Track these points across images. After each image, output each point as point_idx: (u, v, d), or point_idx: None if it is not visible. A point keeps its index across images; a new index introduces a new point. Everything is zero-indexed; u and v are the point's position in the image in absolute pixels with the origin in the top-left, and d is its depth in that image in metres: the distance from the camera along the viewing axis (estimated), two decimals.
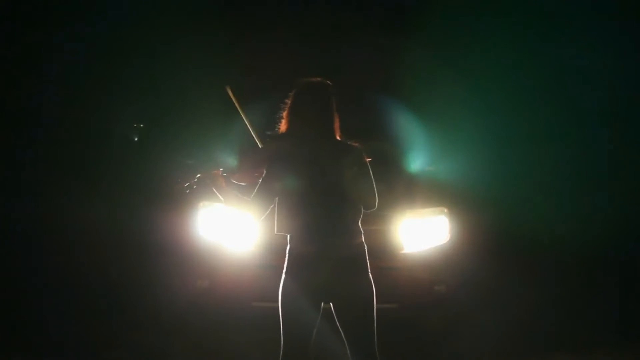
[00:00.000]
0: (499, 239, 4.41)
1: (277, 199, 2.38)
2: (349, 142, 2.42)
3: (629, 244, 5.46)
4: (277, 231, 2.40)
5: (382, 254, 3.46)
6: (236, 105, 2.93)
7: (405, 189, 3.63)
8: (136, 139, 6.91)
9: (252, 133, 3.04)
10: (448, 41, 6.16)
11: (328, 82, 2.49)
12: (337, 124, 2.44)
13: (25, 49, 6.69)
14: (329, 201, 2.32)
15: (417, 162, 3.97)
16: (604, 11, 6.56)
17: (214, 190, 2.48)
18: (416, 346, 3.77)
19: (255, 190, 2.38)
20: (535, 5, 6.71)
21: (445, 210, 3.71)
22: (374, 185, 2.40)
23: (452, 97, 5.13)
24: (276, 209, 2.40)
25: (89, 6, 6.69)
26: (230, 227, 3.67)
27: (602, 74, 6.51)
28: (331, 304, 2.38)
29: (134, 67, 6.67)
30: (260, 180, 2.39)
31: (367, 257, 2.39)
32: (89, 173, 6.31)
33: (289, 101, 2.46)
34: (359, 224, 2.40)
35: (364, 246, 2.39)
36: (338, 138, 2.43)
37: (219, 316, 3.70)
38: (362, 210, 2.41)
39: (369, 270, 2.38)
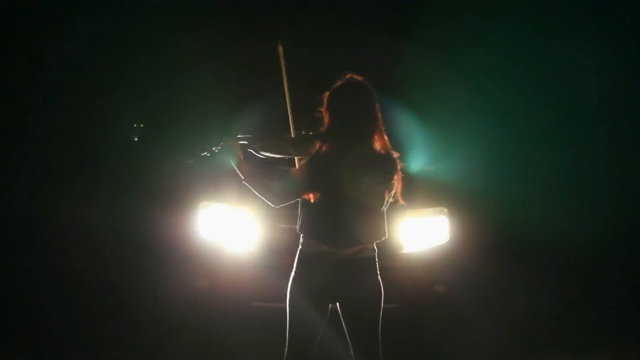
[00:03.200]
0: (499, 238, 4.40)
1: (298, 197, 2.35)
2: (385, 153, 2.34)
3: (629, 244, 5.46)
4: (297, 229, 2.39)
5: (382, 254, 3.45)
6: (282, 67, 2.76)
7: (405, 189, 3.62)
8: (136, 139, 6.92)
9: (288, 107, 2.80)
10: (448, 41, 6.17)
11: (369, 84, 2.39)
12: (378, 129, 2.35)
13: (26, 49, 6.69)
14: (347, 207, 2.30)
15: (417, 162, 3.96)
16: (604, 11, 6.57)
17: (233, 164, 2.41)
18: (416, 346, 3.77)
19: (284, 178, 2.34)
20: (535, 5, 6.71)
21: (445, 210, 3.71)
22: (385, 219, 2.36)
23: (452, 97, 5.12)
24: (300, 208, 2.39)
25: (89, 6, 6.69)
26: (230, 227, 3.67)
27: (602, 74, 6.51)
28: (338, 305, 2.38)
29: (134, 67, 6.68)
30: (295, 171, 2.36)
31: (377, 261, 2.39)
32: (89, 173, 6.32)
33: (325, 100, 2.37)
34: (377, 231, 2.37)
35: (375, 251, 2.39)
36: (378, 144, 2.34)
37: (219, 316, 3.69)
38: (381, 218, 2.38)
39: (379, 274, 2.38)
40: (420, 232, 3.66)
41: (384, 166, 2.32)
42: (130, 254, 4.89)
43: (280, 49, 2.67)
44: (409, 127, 4.20)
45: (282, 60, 2.67)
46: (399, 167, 2.35)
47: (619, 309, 4.45)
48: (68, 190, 5.78)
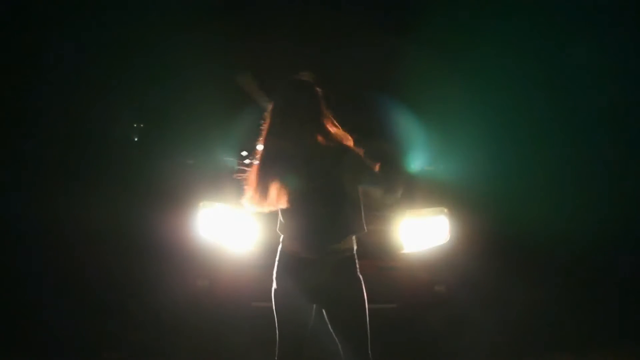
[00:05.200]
0: (499, 239, 4.41)
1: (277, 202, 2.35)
2: (336, 142, 2.31)
3: (629, 244, 5.46)
4: (278, 229, 2.40)
5: (382, 254, 3.45)
6: (252, 91, 2.79)
7: (405, 189, 3.62)
8: (136, 139, 6.93)
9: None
10: (448, 41, 6.17)
11: (312, 79, 2.38)
12: (326, 121, 2.32)
13: (25, 49, 6.70)
14: (318, 205, 2.29)
15: (417, 162, 3.96)
16: (604, 12, 6.57)
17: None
18: (416, 346, 3.77)
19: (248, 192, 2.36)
20: (535, 5, 6.71)
21: (445, 210, 3.71)
22: (360, 212, 2.35)
23: (452, 97, 5.13)
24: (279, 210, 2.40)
25: (88, 6, 6.70)
26: (230, 227, 3.67)
27: (602, 75, 6.51)
28: (323, 307, 2.37)
29: (134, 67, 6.68)
30: (250, 180, 2.34)
31: (357, 259, 2.37)
32: (89, 173, 6.32)
33: (273, 101, 2.38)
34: (353, 226, 2.36)
35: (353, 248, 2.36)
36: (331, 134, 2.31)
37: (219, 316, 3.69)
38: (356, 212, 2.37)
39: (359, 272, 2.36)
40: (420, 232, 3.66)
41: (331, 154, 2.28)
42: (130, 253, 4.89)
43: (248, 79, 2.69)
44: (409, 126, 4.20)
45: (251, 87, 2.69)
46: (349, 152, 2.30)
47: (619, 309, 4.45)
48: (68, 190, 5.78)
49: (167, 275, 4.01)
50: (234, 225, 3.66)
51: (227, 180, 3.68)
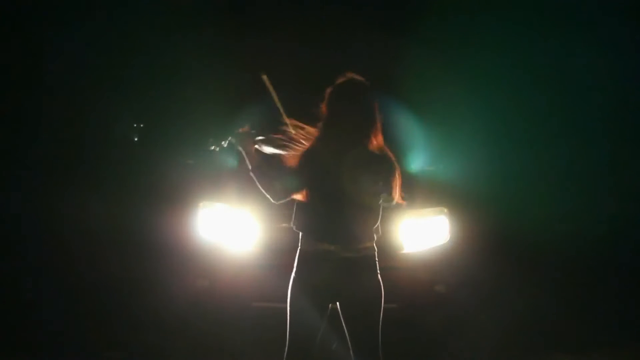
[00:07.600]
0: (499, 239, 4.40)
1: (297, 194, 2.36)
2: (382, 153, 2.34)
3: (629, 244, 5.47)
4: (292, 225, 2.40)
5: (382, 254, 3.44)
6: (272, 93, 2.78)
7: (405, 189, 3.62)
8: (136, 139, 6.92)
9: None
10: (448, 41, 6.17)
11: (369, 85, 2.41)
12: (376, 130, 2.35)
13: (25, 49, 6.69)
14: (345, 205, 2.30)
15: (417, 162, 3.96)
16: (604, 11, 6.57)
17: (243, 153, 2.44)
18: (416, 346, 3.77)
19: (284, 174, 2.35)
20: (535, 4, 6.72)
21: (445, 210, 3.71)
22: (379, 217, 2.39)
23: (452, 97, 5.13)
24: (295, 204, 2.39)
25: (89, 6, 6.70)
26: (230, 227, 3.67)
27: (602, 74, 6.51)
28: (338, 304, 2.37)
29: (134, 67, 6.68)
30: (292, 167, 2.35)
31: (377, 260, 2.38)
32: (89, 173, 6.32)
33: (326, 97, 2.39)
34: (373, 230, 2.38)
35: (374, 250, 2.39)
36: (375, 144, 2.34)
37: (219, 316, 3.69)
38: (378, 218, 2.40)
39: (378, 273, 2.38)
40: (420, 232, 3.66)
41: (382, 166, 2.31)
42: (130, 254, 4.89)
43: (265, 78, 2.68)
44: (409, 127, 4.20)
45: (271, 89, 2.69)
46: (397, 168, 2.34)
47: (619, 309, 4.45)
48: (68, 190, 5.77)
49: (167, 275, 4.01)
50: (234, 225, 3.66)
51: (227, 180, 3.69)
